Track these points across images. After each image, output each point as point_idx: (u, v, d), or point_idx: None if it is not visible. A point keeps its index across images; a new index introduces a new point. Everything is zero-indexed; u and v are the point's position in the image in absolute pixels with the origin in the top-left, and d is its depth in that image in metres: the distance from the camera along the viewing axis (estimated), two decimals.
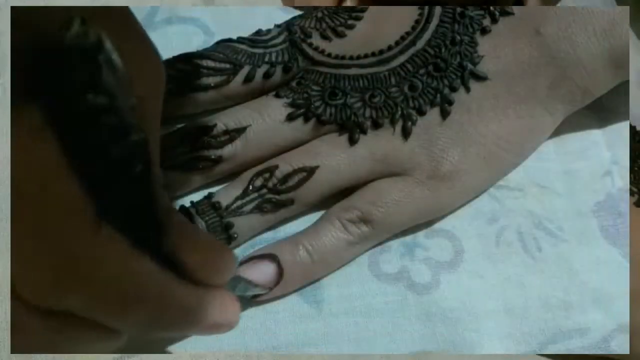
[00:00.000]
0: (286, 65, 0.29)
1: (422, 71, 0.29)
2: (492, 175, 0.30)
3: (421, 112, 0.28)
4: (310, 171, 0.27)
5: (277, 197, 0.27)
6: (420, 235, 0.29)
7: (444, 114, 0.28)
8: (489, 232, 0.29)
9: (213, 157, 0.28)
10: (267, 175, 0.28)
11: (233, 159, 0.28)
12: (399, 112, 0.28)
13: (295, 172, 0.27)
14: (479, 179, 0.29)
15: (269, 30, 0.31)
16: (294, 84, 0.29)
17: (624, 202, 0.30)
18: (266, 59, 0.30)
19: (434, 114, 0.28)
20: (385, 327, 0.27)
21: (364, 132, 0.28)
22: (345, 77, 0.29)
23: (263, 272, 0.27)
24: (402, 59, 0.29)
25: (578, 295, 0.28)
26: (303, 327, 0.27)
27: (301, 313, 0.27)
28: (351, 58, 0.30)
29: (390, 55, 0.29)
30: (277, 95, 0.29)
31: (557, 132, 0.31)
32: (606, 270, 0.29)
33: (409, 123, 0.28)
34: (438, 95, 0.29)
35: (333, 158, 0.28)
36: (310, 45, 0.30)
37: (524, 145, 0.30)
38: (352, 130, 0.28)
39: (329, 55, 0.30)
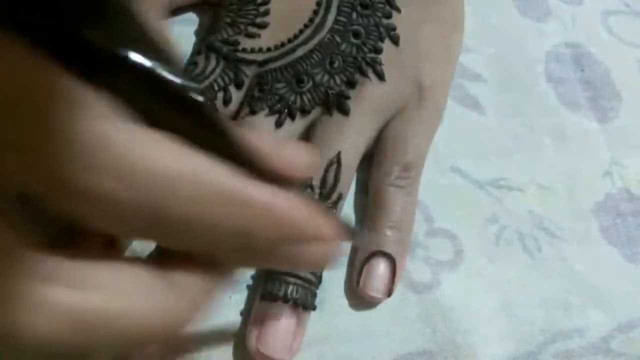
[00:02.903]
0: (236, 82, 0.29)
1: (354, 16, 0.30)
2: (451, 71, 0.32)
3: (378, 50, 0.29)
4: (338, 160, 0.27)
5: (329, 201, 0.27)
6: (420, 234, 0.29)
7: (395, 41, 0.30)
8: (489, 232, 0.29)
9: None
10: (308, 190, 0.27)
11: None
12: (363, 62, 0.29)
13: (326, 170, 0.27)
14: (446, 78, 0.31)
15: (193, 64, 0.29)
16: (257, 93, 0.28)
17: (624, 202, 0.30)
18: (215, 87, 0.28)
19: (388, 45, 0.30)
20: (385, 327, 0.27)
21: (347, 97, 0.28)
22: (298, 60, 0.29)
23: (383, 274, 0.27)
24: (330, 18, 0.30)
25: (578, 295, 0.28)
26: None
27: None
28: (289, 41, 0.29)
29: (321, 21, 0.30)
30: (252, 112, 0.28)
31: (557, 131, 0.31)
32: (606, 270, 0.29)
33: (377, 66, 0.29)
34: (381, 28, 0.30)
35: (342, 136, 0.28)
36: (244, 50, 0.29)
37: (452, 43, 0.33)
38: (338, 103, 0.28)
39: (268, 49, 0.29)
